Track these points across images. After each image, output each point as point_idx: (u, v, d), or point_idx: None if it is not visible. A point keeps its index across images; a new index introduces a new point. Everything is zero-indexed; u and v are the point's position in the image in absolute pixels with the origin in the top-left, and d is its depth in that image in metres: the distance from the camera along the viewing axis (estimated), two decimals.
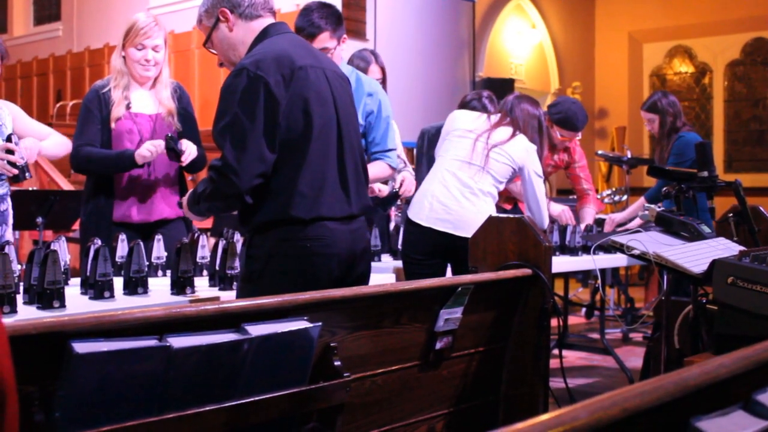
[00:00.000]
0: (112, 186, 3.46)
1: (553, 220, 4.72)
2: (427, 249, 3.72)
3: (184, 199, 2.76)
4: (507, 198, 4.91)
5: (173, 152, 3.31)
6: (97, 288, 2.56)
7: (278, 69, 2.48)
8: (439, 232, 3.67)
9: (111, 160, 3.42)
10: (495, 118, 3.87)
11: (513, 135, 3.81)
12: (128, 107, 3.48)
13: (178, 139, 3.35)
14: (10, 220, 3.36)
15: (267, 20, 2.67)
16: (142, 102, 3.54)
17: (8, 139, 3.11)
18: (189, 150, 3.36)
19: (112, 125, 3.46)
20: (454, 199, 3.70)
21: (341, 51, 3.65)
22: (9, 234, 3.35)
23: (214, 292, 2.88)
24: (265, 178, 2.48)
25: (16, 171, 3.08)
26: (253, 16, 2.65)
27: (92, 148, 3.44)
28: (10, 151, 3.09)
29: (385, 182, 4.07)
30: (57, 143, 3.45)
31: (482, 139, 3.77)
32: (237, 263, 2.92)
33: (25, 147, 3.20)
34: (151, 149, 3.34)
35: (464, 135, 3.82)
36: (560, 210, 4.97)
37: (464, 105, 4.67)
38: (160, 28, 3.52)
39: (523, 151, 3.81)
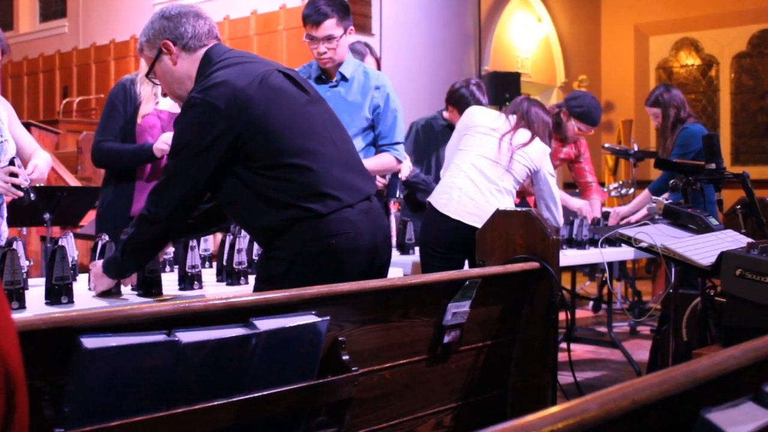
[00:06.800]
0: (133, 180, 3.48)
1: (575, 214, 4.74)
2: (451, 241, 3.73)
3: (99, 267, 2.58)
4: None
5: None
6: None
7: (232, 93, 2.38)
8: (466, 225, 3.68)
9: (130, 153, 3.44)
10: (513, 119, 3.90)
11: (532, 138, 3.87)
12: (156, 103, 3.49)
13: None
14: (5, 212, 3.35)
15: (209, 46, 2.55)
16: (168, 99, 3.54)
17: (11, 162, 3.10)
18: None
19: (139, 120, 3.47)
20: (482, 194, 3.74)
21: (347, 42, 3.65)
22: (4, 227, 3.35)
23: (222, 287, 2.88)
24: (190, 215, 2.50)
25: (21, 194, 3.07)
26: (197, 47, 2.52)
27: (112, 143, 3.46)
28: (14, 174, 3.08)
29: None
30: (46, 164, 3.41)
31: (506, 140, 3.83)
32: (245, 258, 2.92)
33: (35, 165, 3.19)
34: (168, 141, 3.34)
35: (488, 133, 3.86)
36: (581, 204, 4.99)
37: (453, 93, 4.72)
38: None
39: (541, 154, 3.89)
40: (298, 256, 2.44)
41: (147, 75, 2.62)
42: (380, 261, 2.62)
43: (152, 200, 2.45)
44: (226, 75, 2.42)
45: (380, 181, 4.22)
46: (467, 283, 2.54)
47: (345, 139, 2.64)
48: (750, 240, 2.91)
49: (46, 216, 4.40)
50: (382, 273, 2.65)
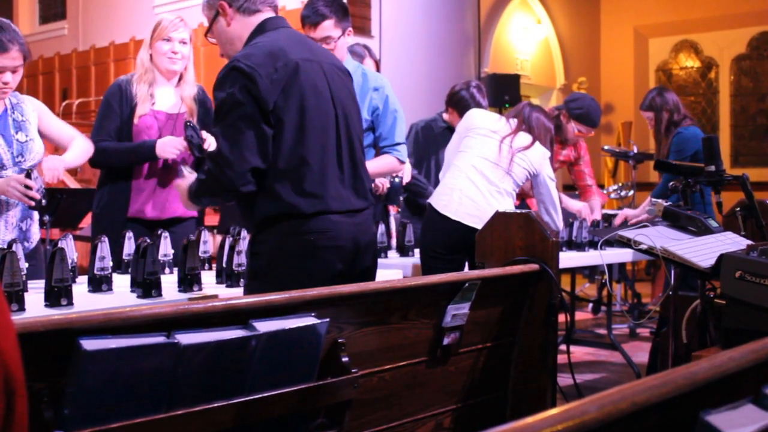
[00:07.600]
0: (129, 180, 3.48)
1: (574, 216, 4.75)
2: (451, 242, 3.73)
3: (184, 188, 2.68)
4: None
5: (191, 142, 3.14)
6: (95, 282, 2.60)
7: (272, 63, 2.47)
8: (466, 227, 3.68)
9: (130, 151, 3.44)
10: (513, 122, 3.90)
11: (533, 142, 3.87)
12: (152, 104, 3.50)
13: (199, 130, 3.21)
14: (36, 215, 3.36)
15: (266, 15, 2.65)
16: (165, 100, 3.56)
17: (27, 174, 3.11)
18: (209, 140, 3.19)
19: (135, 121, 3.48)
20: (482, 196, 3.74)
21: (345, 43, 3.65)
22: (35, 229, 3.36)
23: (221, 289, 2.88)
24: (258, 172, 2.47)
25: (33, 203, 3.09)
26: (251, 10, 2.62)
27: (109, 142, 3.47)
28: (29, 186, 3.10)
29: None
30: (80, 152, 3.39)
31: (507, 142, 3.84)
32: (244, 260, 2.92)
33: (48, 168, 3.21)
34: (177, 149, 3.36)
35: (489, 135, 3.87)
36: (581, 206, 4.99)
37: (453, 95, 4.75)
38: (185, 25, 3.59)
39: (541, 157, 3.89)
40: (277, 251, 2.50)
41: (205, 34, 2.72)
42: (363, 265, 2.65)
43: (218, 165, 2.47)
44: (271, 47, 2.51)
45: (382, 183, 4.21)
46: (467, 285, 2.54)
47: (354, 152, 2.66)
48: (749, 242, 2.91)
49: (46, 218, 4.38)
50: (367, 278, 2.67)
